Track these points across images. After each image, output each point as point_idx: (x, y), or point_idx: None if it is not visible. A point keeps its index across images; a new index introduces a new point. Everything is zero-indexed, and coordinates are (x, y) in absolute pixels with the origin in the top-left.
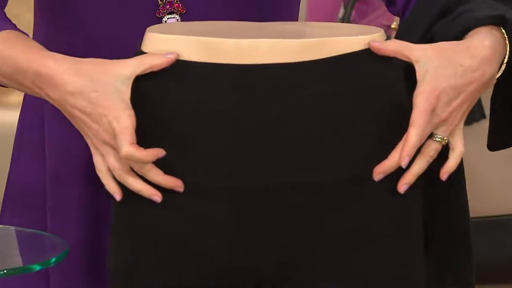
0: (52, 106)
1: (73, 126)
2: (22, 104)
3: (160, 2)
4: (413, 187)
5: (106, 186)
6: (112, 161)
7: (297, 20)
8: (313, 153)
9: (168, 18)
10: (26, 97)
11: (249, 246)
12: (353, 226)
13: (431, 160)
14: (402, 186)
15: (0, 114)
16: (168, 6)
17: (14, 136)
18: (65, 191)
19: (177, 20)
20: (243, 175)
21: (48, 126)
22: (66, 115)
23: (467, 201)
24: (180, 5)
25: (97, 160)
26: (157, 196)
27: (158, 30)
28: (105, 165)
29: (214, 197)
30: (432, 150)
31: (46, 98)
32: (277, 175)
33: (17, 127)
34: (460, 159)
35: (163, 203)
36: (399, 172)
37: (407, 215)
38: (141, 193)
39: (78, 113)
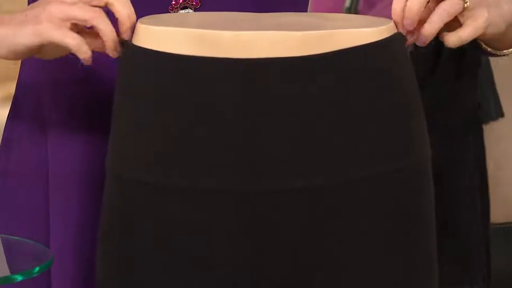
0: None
1: (75, 132)
2: (13, 100)
3: None
4: (421, 186)
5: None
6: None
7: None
8: (317, 153)
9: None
10: (17, 93)
11: (250, 255)
12: (365, 228)
13: (448, 18)
14: (422, 38)
15: None
16: (181, 1)
17: None
18: (63, 192)
19: None
20: (243, 177)
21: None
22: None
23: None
24: None
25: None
26: (86, 55)
27: (149, 22)
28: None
29: (214, 201)
30: (453, 4)
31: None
32: (279, 176)
33: (6, 123)
34: (477, 33)
35: (158, 208)
36: (409, 172)
37: (419, 215)
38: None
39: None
